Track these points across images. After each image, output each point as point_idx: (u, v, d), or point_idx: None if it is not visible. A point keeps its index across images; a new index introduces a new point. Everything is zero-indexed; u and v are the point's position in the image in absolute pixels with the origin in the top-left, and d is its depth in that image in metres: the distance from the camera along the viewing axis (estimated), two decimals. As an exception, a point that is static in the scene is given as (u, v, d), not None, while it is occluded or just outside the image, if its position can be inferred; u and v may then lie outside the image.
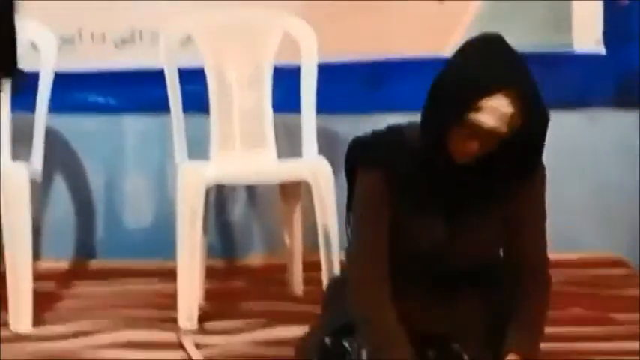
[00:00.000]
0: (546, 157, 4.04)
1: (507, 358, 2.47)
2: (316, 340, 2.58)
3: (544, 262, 2.58)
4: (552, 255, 3.94)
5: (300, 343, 2.69)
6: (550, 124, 4.10)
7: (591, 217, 4.21)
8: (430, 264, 2.51)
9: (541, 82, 4.06)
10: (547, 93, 4.07)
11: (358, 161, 2.52)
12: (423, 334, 2.53)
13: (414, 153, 2.44)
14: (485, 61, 2.36)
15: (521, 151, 2.38)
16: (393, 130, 2.51)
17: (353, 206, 2.54)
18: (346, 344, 2.52)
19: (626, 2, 4.11)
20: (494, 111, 2.31)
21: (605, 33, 4.14)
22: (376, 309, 2.46)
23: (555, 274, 3.77)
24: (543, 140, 2.42)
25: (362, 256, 2.52)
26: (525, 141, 2.37)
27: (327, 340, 2.54)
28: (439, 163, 2.39)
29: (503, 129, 2.33)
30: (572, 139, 4.17)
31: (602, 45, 4.14)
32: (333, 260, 3.38)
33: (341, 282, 2.70)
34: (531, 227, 2.54)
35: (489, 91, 2.31)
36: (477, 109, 2.31)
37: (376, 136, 2.53)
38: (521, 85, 2.35)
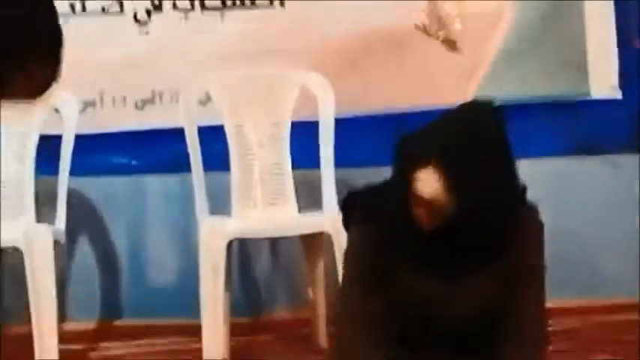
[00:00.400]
0: (569, 204, 4.11)
1: None
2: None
3: (534, 342, 2.49)
4: (578, 302, 4.03)
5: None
6: (569, 171, 4.18)
7: (620, 262, 4.19)
8: (425, 323, 2.46)
9: (561, 129, 4.17)
10: (567, 140, 4.19)
11: (351, 214, 2.52)
12: None
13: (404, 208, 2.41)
14: (436, 129, 2.38)
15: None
16: (387, 184, 2.49)
17: (344, 257, 2.53)
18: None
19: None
20: (427, 182, 2.30)
21: (621, 77, 4.16)
22: None
23: (585, 320, 3.84)
24: (496, 222, 2.36)
25: (348, 317, 2.49)
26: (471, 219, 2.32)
27: None
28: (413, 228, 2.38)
29: (440, 202, 2.31)
30: (595, 184, 4.19)
31: (619, 90, 4.16)
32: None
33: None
34: (521, 291, 2.44)
35: (422, 163, 2.30)
36: (415, 178, 2.31)
37: (370, 190, 2.54)
38: (451, 163, 2.31)
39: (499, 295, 2.44)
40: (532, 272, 2.47)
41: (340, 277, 2.58)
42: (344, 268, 2.55)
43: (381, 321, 2.44)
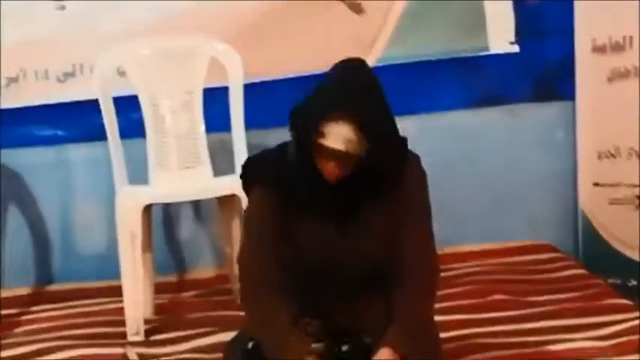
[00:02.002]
0: (472, 153, 4.32)
1: (379, 353, 2.56)
2: (240, 345, 2.73)
3: (424, 264, 2.65)
4: (481, 246, 4.25)
5: (226, 349, 2.87)
6: (474, 122, 4.39)
7: (519, 209, 4.42)
8: (328, 269, 2.65)
9: (463, 83, 4.38)
10: (469, 92, 4.40)
11: (249, 179, 2.71)
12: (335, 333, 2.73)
13: (297, 168, 2.60)
14: (332, 88, 2.55)
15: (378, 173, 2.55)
16: (282, 147, 2.68)
17: (243, 221, 2.73)
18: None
19: (536, 1, 4.33)
20: (338, 136, 2.49)
21: (517, 32, 4.35)
22: (266, 314, 2.61)
23: (483, 264, 4.06)
24: (395, 164, 2.58)
25: (250, 268, 2.68)
26: (379, 164, 2.53)
27: (250, 344, 2.68)
28: (315, 181, 2.57)
29: (354, 152, 2.50)
30: (496, 133, 4.42)
31: (516, 44, 4.36)
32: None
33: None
34: (408, 229, 2.64)
35: (331, 118, 2.48)
36: (323, 135, 2.50)
37: (266, 153, 2.73)
38: (362, 114, 2.49)
39: (394, 235, 2.63)
40: (419, 212, 2.67)
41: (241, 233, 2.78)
42: (243, 230, 2.75)
43: (279, 279, 2.62)
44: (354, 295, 2.68)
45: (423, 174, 2.71)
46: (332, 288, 2.68)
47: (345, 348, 2.69)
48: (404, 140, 2.67)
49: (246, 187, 2.73)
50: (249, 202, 2.71)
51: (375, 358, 2.57)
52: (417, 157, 2.70)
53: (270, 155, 2.71)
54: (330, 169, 2.55)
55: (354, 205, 2.61)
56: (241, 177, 2.73)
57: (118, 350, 3.46)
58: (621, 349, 2.98)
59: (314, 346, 2.66)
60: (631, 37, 4.04)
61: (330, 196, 2.60)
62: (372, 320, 2.68)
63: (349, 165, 2.54)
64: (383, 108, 2.58)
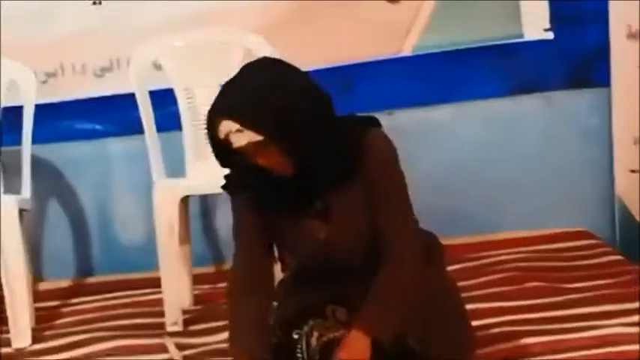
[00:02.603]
0: (507, 141, 4.30)
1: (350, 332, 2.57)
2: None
3: (405, 247, 2.62)
4: (516, 233, 4.25)
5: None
6: (509, 110, 4.38)
7: (554, 195, 4.42)
8: (316, 262, 2.67)
9: (498, 71, 4.37)
10: (504, 80, 4.39)
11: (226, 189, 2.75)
12: None
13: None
14: (224, 89, 2.60)
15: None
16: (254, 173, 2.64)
17: (232, 227, 2.76)
18: (295, 336, 2.69)
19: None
20: (233, 135, 2.49)
21: (552, 19, 4.34)
22: (239, 308, 2.66)
23: (519, 252, 4.06)
24: (332, 140, 2.54)
25: (235, 269, 2.74)
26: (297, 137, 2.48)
27: (278, 332, 2.71)
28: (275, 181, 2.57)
29: (257, 138, 2.46)
30: (531, 121, 4.41)
31: (551, 31, 4.35)
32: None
33: (291, 279, 2.86)
34: (382, 209, 2.61)
35: (218, 119, 2.52)
36: (228, 139, 2.51)
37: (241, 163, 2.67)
38: (241, 113, 2.49)
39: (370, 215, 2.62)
40: (389, 190, 2.63)
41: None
42: (234, 233, 2.77)
43: (260, 284, 2.69)
44: (363, 282, 2.65)
45: (388, 150, 2.63)
46: (326, 284, 2.69)
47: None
48: (356, 120, 2.65)
49: (231, 198, 2.77)
50: (232, 209, 2.75)
51: (344, 341, 2.57)
52: (380, 134, 2.64)
53: (242, 169, 2.68)
54: (267, 163, 2.54)
55: (320, 193, 2.60)
56: (224, 189, 2.76)
57: (157, 341, 3.50)
58: (658, 335, 2.98)
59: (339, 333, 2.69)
60: (666, 23, 4.03)
61: (295, 192, 2.58)
62: None
63: (276, 152, 2.49)
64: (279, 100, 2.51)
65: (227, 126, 2.51)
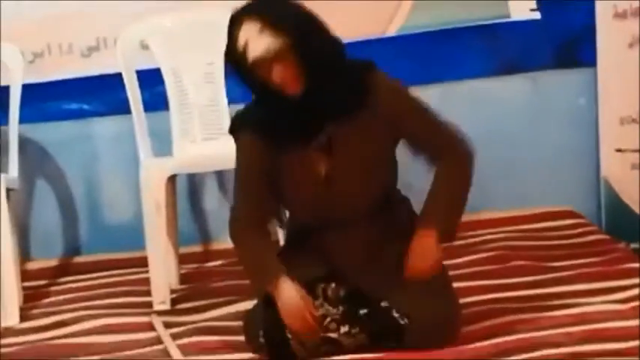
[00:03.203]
0: (493, 121, 4.32)
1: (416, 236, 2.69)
2: (259, 314, 2.82)
3: (450, 140, 2.80)
4: (502, 212, 4.26)
5: (247, 317, 2.94)
6: (496, 90, 4.38)
7: (540, 175, 4.44)
8: (315, 205, 2.76)
9: (484, 51, 4.38)
10: (491, 60, 4.40)
11: (235, 130, 2.85)
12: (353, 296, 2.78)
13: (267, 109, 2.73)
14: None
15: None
16: (263, 98, 2.76)
17: (235, 170, 2.87)
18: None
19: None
20: (253, 40, 2.59)
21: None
22: (253, 250, 2.78)
23: (505, 231, 4.08)
24: (336, 59, 2.69)
25: (239, 211, 2.84)
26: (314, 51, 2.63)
27: (271, 310, 2.75)
28: (280, 102, 2.66)
29: (277, 45, 2.58)
30: (518, 101, 4.43)
31: (537, 11, 4.36)
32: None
33: (287, 256, 2.91)
34: (419, 124, 2.77)
35: (238, 28, 2.62)
36: (244, 52, 2.61)
37: (248, 106, 2.84)
38: (262, 10, 2.62)
39: (383, 143, 2.75)
40: (409, 104, 2.79)
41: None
42: (236, 173, 2.90)
43: (265, 220, 2.84)
44: (352, 234, 2.76)
45: (397, 83, 2.77)
46: (339, 231, 2.76)
47: (363, 312, 2.75)
48: (352, 60, 2.76)
49: (235, 139, 2.86)
50: (237, 150, 2.84)
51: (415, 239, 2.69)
52: (384, 74, 2.77)
53: (250, 106, 2.83)
54: (281, 77, 2.62)
55: (325, 124, 2.69)
56: (230, 131, 2.86)
57: (145, 319, 3.51)
58: (638, 312, 3.00)
59: (333, 310, 2.72)
60: (653, 2, 4.04)
61: (302, 117, 2.68)
62: (386, 273, 2.78)
63: (291, 63, 2.61)
64: (300, 13, 2.68)
65: (248, 30, 2.60)
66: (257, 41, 2.59)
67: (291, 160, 2.74)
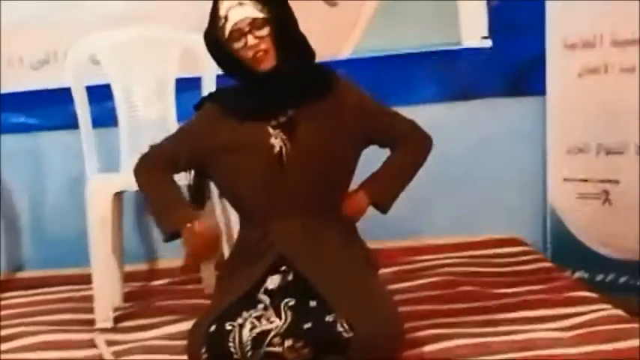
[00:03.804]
0: (442, 148, 4.34)
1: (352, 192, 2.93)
2: (203, 329, 2.81)
3: (411, 126, 3.08)
4: (451, 238, 4.27)
5: (190, 335, 2.91)
6: (445, 116, 4.40)
7: (488, 201, 4.47)
8: (270, 184, 2.85)
9: (436, 77, 4.40)
10: (442, 87, 4.42)
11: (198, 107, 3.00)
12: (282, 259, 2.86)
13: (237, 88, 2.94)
14: None
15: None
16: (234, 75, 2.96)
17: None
18: (229, 327, 2.75)
19: (497, 2, 4.38)
20: (235, 9, 2.81)
21: (490, 28, 4.39)
22: (163, 188, 2.96)
23: (453, 257, 4.09)
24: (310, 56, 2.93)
25: (154, 149, 3.07)
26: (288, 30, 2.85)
27: (212, 327, 2.78)
28: (250, 76, 2.85)
29: (257, 14, 2.80)
30: (466, 128, 4.45)
31: (489, 39, 4.39)
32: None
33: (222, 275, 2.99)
34: (381, 114, 3.02)
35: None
36: (225, 20, 2.82)
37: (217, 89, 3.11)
38: None
39: (341, 140, 2.90)
40: (370, 99, 3.02)
41: None
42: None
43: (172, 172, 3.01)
44: (305, 230, 2.88)
45: (357, 84, 3.00)
46: (283, 219, 2.87)
47: (307, 326, 2.75)
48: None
49: (196, 111, 3.02)
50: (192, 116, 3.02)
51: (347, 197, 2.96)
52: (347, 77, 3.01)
53: (219, 89, 3.10)
54: (254, 48, 2.82)
55: (289, 106, 2.87)
56: (194, 107, 3.00)
57: (87, 336, 3.47)
58: (582, 340, 3.01)
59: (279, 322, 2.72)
60: (602, 35, 4.07)
61: (266, 98, 2.86)
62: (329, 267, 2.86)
63: (266, 36, 2.82)
64: None
65: (230, 2, 2.83)
66: (237, 9, 2.81)
67: (249, 133, 2.86)
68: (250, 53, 2.83)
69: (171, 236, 2.92)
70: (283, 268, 2.87)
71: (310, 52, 2.93)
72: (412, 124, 3.08)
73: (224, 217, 3.62)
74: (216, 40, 2.87)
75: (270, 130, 2.87)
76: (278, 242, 2.88)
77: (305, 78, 2.88)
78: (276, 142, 2.86)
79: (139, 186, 3.05)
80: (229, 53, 2.86)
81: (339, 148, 2.90)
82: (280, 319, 2.74)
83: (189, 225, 2.86)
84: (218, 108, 2.93)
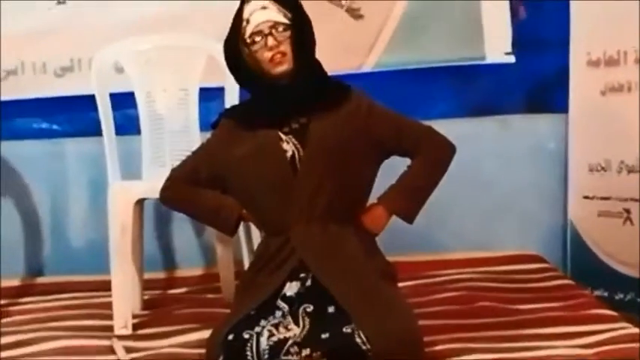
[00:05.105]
0: (463, 163, 4.35)
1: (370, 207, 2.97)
2: (221, 338, 2.81)
3: (430, 132, 3.08)
4: (471, 254, 4.27)
5: (208, 343, 2.92)
6: (467, 131, 4.42)
7: (509, 219, 4.46)
8: (284, 189, 2.89)
9: (458, 92, 4.40)
10: (464, 101, 4.42)
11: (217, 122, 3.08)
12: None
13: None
14: None
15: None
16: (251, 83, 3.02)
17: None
18: (246, 336, 2.75)
19: (524, 16, 4.38)
20: (258, 12, 2.89)
21: (514, 43, 4.39)
22: (198, 198, 3.04)
23: (472, 272, 4.09)
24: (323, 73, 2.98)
25: (175, 171, 3.13)
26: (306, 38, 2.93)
27: (230, 336, 2.78)
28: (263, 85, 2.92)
29: (278, 18, 2.88)
30: (488, 143, 4.45)
31: (512, 55, 4.39)
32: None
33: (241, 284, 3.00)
34: (399, 123, 3.03)
35: (244, 4, 2.92)
36: (247, 23, 2.90)
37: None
38: None
39: (355, 149, 2.92)
40: (385, 109, 3.05)
41: None
42: None
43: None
44: (323, 235, 2.90)
45: (369, 96, 3.05)
46: (301, 224, 2.89)
47: (325, 336, 2.74)
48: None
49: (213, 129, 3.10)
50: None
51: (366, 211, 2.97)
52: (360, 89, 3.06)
53: (234, 105, 3.25)
54: (271, 50, 2.88)
55: (303, 113, 2.92)
56: (212, 126, 3.08)
57: (106, 343, 3.47)
58: (602, 358, 3.00)
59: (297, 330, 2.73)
60: (625, 52, 4.07)
61: (281, 103, 2.92)
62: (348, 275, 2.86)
63: (286, 40, 2.89)
64: (301, 6, 2.98)
65: (253, 6, 2.91)
66: (261, 12, 2.90)
67: (261, 139, 2.91)
68: (269, 54, 2.89)
69: (236, 225, 3.01)
70: (302, 275, 2.87)
71: (319, 64, 3.00)
72: (430, 131, 3.08)
73: (245, 233, 3.63)
74: (235, 45, 2.94)
75: (282, 135, 2.92)
76: (299, 247, 2.89)
77: (319, 87, 2.94)
78: (289, 147, 2.90)
79: (172, 206, 3.19)
80: (246, 61, 2.93)
81: (351, 154, 2.92)
82: (298, 326, 2.75)
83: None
84: (233, 122, 3.01)
